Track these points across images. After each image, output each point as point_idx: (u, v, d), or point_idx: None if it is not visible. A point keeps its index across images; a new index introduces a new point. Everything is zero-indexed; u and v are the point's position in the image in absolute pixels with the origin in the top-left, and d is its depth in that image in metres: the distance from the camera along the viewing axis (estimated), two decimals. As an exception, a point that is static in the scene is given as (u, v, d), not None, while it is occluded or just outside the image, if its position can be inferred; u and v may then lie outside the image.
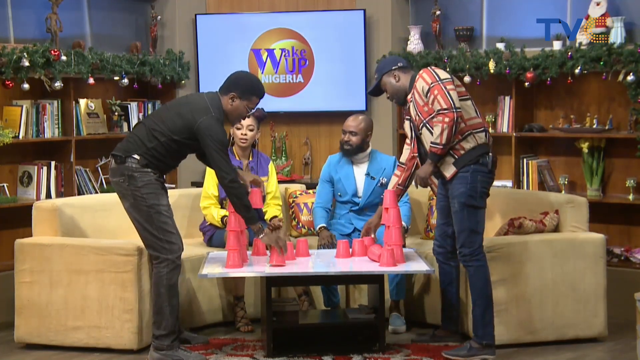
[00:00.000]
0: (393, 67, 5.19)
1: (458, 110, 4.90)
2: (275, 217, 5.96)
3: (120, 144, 5.05)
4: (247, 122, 5.88)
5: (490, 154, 5.04)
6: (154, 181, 4.99)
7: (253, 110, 5.20)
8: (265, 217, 5.94)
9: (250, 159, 6.04)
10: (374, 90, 5.32)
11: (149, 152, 4.97)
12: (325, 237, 5.82)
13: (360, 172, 5.96)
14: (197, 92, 7.39)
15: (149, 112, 7.32)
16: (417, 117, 5.08)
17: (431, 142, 4.97)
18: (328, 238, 5.80)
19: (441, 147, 4.93)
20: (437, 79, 4.97)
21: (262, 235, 5.08)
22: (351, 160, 5.99)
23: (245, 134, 5.93)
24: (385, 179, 5.86)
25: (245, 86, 5.05)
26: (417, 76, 5.07)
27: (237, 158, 6.00)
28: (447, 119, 4.87)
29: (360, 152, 5.95)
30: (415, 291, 5.84)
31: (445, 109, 4.89)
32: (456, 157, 5.00)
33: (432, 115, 4.95)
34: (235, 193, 4.96)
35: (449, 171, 5.02)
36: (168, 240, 4.99)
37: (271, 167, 6.12)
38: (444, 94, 4.91)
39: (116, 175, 4.99)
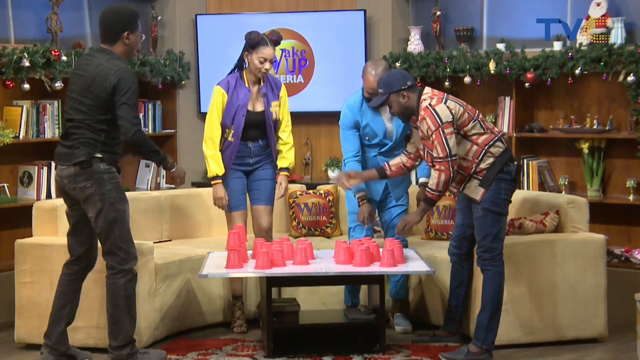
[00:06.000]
0: (403, 87, 5.07)
1: (454, 158, 4.91)
2: (287, 169, 5.82)
3: (73, 150, 4.77)
4: (269, 52, 5.60)
5: (515, 162, 5.04)
6: (119, 183, 4.86)
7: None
8: (279, 165, 5.82)
9: (262, 83, 5.71)
10: (379, 105, 5.22)
11: (104, 146, 4.77)
12: (364, 212, 5.56)
13: (385, 110, 5.60)
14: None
15: (149, 112, 7.33)
16: (429, 153, 5.06)
17: (428, 187, 5.03)
18: (363, 215, 5.54)
19: (437, 194, 4.99)
20: (439, 124, 4.91)
21: (173, 170, 4.99)
22: None
23: (268, 68, 5.63)
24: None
25: (128, 18, 4.81)
26: (420, 116, 4.99)
27: (247, 84, 5.66)
28: (442, 168, 4.92)
29: None
30: (418, 292, 5.84)
31: (440, 158, 4.92)
32: (480, 178, 4.99)
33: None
34: (143, 143, 4.78)
35: (478, 193, 4.99)
36: (127, 250, 4.84)
37: (283, 92, 5.82)
38: (441, 140, 4.90)
39: (81, 181, 4.76)
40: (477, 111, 5.10)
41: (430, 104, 4.98)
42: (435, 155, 4.96)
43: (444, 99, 5.01)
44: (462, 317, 5.39)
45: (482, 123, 5.04)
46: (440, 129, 4.92)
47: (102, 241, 4.86)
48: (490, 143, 5.00)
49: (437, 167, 4.95)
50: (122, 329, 4.86)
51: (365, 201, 5.60)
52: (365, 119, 5.63)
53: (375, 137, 5.65)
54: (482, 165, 4.98)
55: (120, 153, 4.90)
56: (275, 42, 5.66)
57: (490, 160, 4.98)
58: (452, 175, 4.94)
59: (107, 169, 4.79)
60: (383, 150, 5.67)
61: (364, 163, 5.67)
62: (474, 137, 5.00)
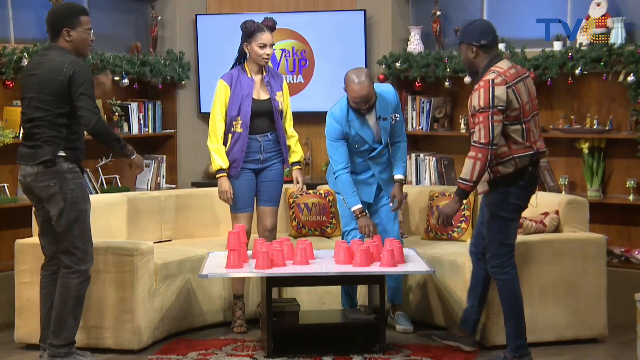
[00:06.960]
0: (474, 43, 4.74)
1: (494, 147, 4.62)
2: (298, 163, 5.87)
3: (36, 150, 4.78)
4: (267, 37, 5.62)
5: (531, 169, 4.78)
6: (84, 183, 4.86)
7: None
8: (291, 160, 5.86)
9: (264, 73, 5.74)
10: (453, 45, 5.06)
11: (67, 143, 4.77)
12: (369, 225, 5.49)
13: (370, 116, 5.57)
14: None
15: (149, 112, 7.32)
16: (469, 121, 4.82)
17: (460, 178, 4.72)
18: (368, 227, 5.49)
19: (471, 184, 4.68)
20: (489, 105, 4.58)
21: (133, 157, 4.97)
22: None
23: (270, 53, 5.66)
24: (398, 115, 5.60)
25: (66, 15, 4.79)
26: (478, 85, 4.67)
27: (249, 75, 5.69)
28: (480, 156, 4.61)
29: None
30: (418, 292, 5.84)
31: (481, 144, 4.61)
32: (492, 177, 4.77)
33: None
34: (105, 132, 4.77)
35: (482, 187, 4.82)
36: (85, 250, 4.82)
37: (285, 84, 5.84)
38: (487, 125, 4.59)
39: (45, 179, 4.76)
40: (532, 115, 4.77)
41: (492, 80, 4.63)
42: (475, 139, 4.62)
43: (509, 84, 4.66)
44: (478, 319, 5.24)
45: (525, 132, 4.73)
46: (490, 112, 4.59)
47: (61, 240, 4.83)
48: (521, 155, 4.74)
49: (472, 153, 4.63)
50: (65, 329, 4.84)
51: (364, 214, 5.53)
52: (353, 128, 5.55)
53: (364, 144, 5.59)
54: (501, 168, 4.75)
55: (82, 149, 4.89)
56: (271, 28, 5.71)
57: (511, 168, 4.73)
58: (487, 165, 4.63)
59: (70, 168, 4.78)
60: (372, 155, 5.62)
61: (352, 168, 5.61)
62: (510, 141, 4.71)
